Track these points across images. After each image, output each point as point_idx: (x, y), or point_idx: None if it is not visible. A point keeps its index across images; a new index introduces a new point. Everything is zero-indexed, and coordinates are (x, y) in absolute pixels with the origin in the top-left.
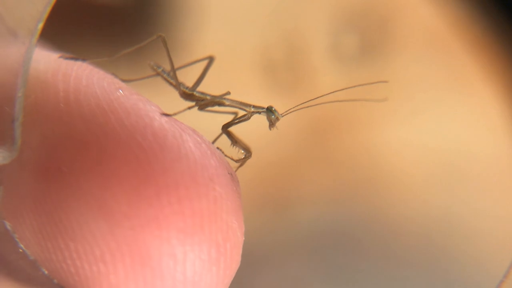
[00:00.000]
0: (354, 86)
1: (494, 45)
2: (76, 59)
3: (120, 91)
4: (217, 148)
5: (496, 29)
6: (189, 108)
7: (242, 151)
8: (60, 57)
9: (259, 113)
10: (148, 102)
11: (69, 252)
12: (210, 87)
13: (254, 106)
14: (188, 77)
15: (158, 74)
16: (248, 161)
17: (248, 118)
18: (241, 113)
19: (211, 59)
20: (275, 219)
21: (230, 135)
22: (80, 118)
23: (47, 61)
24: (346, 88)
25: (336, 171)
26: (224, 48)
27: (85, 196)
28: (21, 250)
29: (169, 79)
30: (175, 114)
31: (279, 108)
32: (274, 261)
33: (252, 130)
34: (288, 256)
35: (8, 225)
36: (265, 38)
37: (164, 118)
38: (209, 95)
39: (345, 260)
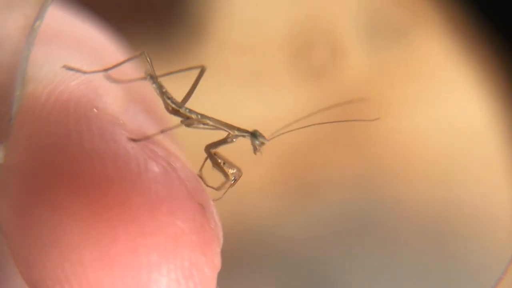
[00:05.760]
0: (336, 105)
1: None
2: (77, 70)
3: (94, 110)
4: (198, 175)
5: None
6: (174, 127)
7: (230, 171)
8: (63, 67)
9: (244, 136)
10: (120, 125)
11: (26, 277)
12: (240, 74)
13: (238, 129)
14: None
15: (152, 84)
16: (274, 146)
17: (232, 141)
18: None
19: (202, 69)
20: (300, 203)
21: (212, 157)
22: (47, 137)
23: (48, 71)
24: (330, 106)
25: (361, 156)
26: (251, 33)
27: (39, 224)
28: None
29: (158, 92)
30: (146, 138)
31: (309, 96)
32: (299, 244)
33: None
34: (313, 239)
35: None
36: (292, 22)
37: (132, 144)
38: (195, 113)
39: (367, 243)
